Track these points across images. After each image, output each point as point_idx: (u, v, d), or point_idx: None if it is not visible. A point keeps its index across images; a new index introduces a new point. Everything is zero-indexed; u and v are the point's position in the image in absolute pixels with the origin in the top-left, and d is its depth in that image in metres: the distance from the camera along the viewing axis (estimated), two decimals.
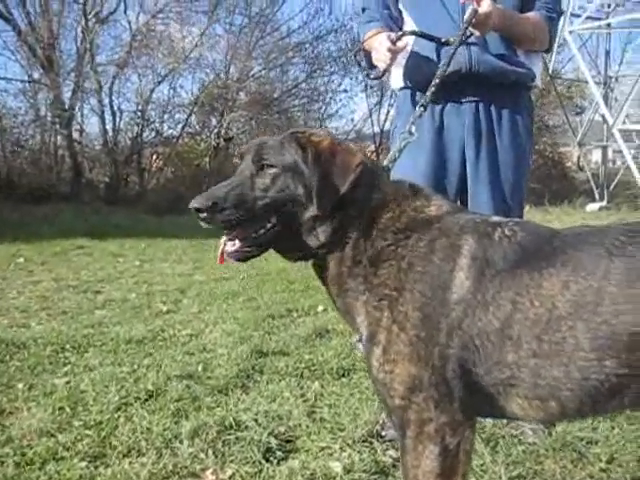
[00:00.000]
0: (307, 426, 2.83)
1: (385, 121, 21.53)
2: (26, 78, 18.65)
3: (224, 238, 1.82)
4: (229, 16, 20.70)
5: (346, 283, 1.75)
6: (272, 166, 1.76)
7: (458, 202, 2.78)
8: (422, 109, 2.34)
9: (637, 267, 1.48)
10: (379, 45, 2.56)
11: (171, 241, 10.43)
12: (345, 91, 23.01)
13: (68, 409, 3.00)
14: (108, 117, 18.92)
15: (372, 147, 22.55)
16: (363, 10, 2.95)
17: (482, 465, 2.45)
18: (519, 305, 1.54)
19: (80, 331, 4.54)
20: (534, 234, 1.66)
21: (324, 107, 23.16)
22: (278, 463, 2.51)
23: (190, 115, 20.08)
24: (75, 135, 18.60)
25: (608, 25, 20.51)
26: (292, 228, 1.75)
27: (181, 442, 2.64)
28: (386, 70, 2.60)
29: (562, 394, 1.54)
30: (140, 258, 8.80)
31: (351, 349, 3.89)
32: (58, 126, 17.91)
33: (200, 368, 3.64)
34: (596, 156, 26.17)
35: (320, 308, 5.26)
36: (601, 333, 1.47)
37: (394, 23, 2.83)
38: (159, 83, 19.44)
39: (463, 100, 2.70)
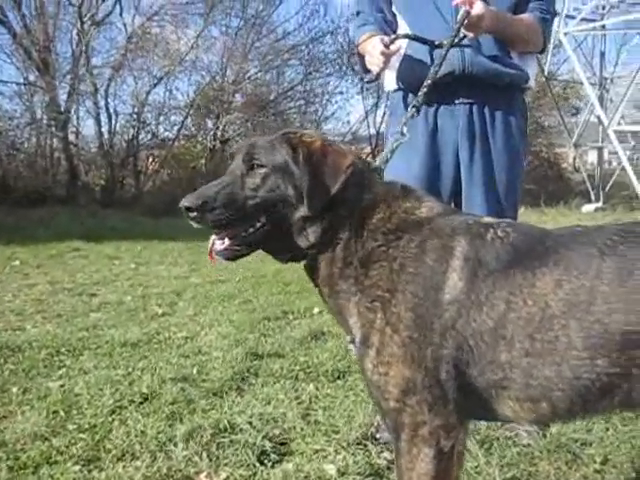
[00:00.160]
0: (302, 429, 2.83)
1: (381, 123, 21.49)
2: (22, 81, 18.61)
3: (213, 237, 1.83)
4: (225, 18, 20.72)
5: (337, 284, 1.75)
6: (262, 166, 1.76)
7: (452, 204, 2.79)
8: (414, 110, 2.34)
9: (628, 266, 1.48)
10: (372, 49, 2.57)
11: (167, 243, 10.41)
12: (341, 93, 23.04)
13: (62, 413, 2.99)
14: (104, 119, 18.88)
15: (368, 149, 22.55)
16: (357, 13, 2.95)
17: (476, 467, 2.46)
18: (512, 305, 1.54)
19: (75, 334, 4.54)
20: (526, 234, 1.67)
21: (320, 109, 23.18)
22: (272, 466, 2.51)
23: (186, 117, 20.06)
24: (71, 138, 18.55)
25: (603, 27, 20.56)
26: (282, 228, 1.76)
27: (175, 445, 2.64)
28: (380, 73, 2.61)
29: (553, 394, 1.54)
30: (136, 261, 8.79)
31: (346, 351, 3.89)
32: (54, 129, 17.86)
33: (195, 371, 3.64)
34: (592, 157, 26.23)
35: (316, 310, 5.26)
36: (593, 332, 1.48)
37: (388, 26, 2.83)
38: (155, 85, 19.42)
39: (457, 102, 2.71)
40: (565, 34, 19.06)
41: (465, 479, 2.34)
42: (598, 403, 1.56)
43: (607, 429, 2.75)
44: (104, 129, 18.91)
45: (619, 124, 18.63)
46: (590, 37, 21.60)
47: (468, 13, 2.44)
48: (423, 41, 2.61)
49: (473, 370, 1.57)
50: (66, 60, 18.67)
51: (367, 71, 2.71)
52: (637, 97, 19.19)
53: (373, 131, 22.78)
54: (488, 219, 1.78)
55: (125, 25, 19.32)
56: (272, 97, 21.75)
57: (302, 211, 1.72)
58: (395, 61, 2.70)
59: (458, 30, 2.47)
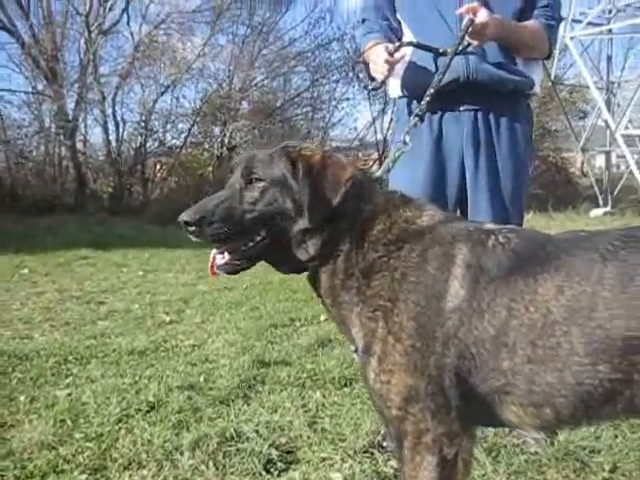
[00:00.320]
0: (308, 437, 2.82)
1: (388, 129, 21.48)
2: (30, 90, 18.73)
3: (214, 251, 1.84)
4: (232, 26, 20.80)
5: (339, 295, 1.76)
6: (260, 180, 1.77)
7: (458, 211, 2.79)
8: (417, 119, 2.35)
9: (630, 272, 1.48)
10: (376, 57, 2.58)
11: (175, 251, 10.43)
12: (348, 99, 23.05)
13: (69, 421, 3.00)
14: (112, 128, 18.95)
15: (375, 155, 22.54)
16: (363, 21, 2.96)
17: (484, 475, 2.45)
18: (514, 311, 1.54)
19: (83, 342, 4.55)
20: (528, 240, 1.67)
21: (327, 116, 23.19)
22: (279, 474, 2.51)
23: (193, 125, 20.12)
24: (79, 146, 18.63)
25: (609, 31, 20.51)
26: (281, 241, 1.77)
27: (182, 454, 2.63)
28: (384, 81, 2.62)
29: (556, 400, 1.54)
30: (144, 268, 8.80)
31: (353, 358, 3.88)
32: (62, 137, 17.95)
33: (202, 379, 3.64)
34: (599, 161, 26.13)
35: (323, 317, 5.24)
36: (595, 338, 1.47)
37: (394, 34, 2.83)
38: (162, 93, 19.47)
39: (461, 109, 2.71)
40: (571, 38, 19.03)
41: None
42: (601, 409, 1.55)
43: (616, 436, 2.73)
44: (112, 137, 19.00)
45: (627, 128, 18.59)
46: (597, 41, 21.57)
47: (472, 21, 2.44)
48: (427, 49, 2.62)
49: (476, 377, 1.57)
50: (74, 69, 18.79)
51: (372, 79, 2.71)
52: None
53: (380, 137, 22.76)
54: (490, 225, 1.78)
55: (132, 34, 19.43)
56: (279, 104, 21.78)
57: (301, 224, 1.73)
58: (400, 68, 2.70)
59: (462, 38, 2.48)
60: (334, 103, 22.85)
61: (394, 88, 2.87)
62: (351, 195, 1.75)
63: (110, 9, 18.52)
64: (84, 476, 2.49)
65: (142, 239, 11.78)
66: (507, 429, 2.74)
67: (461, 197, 2.76)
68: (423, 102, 2.40)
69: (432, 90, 2.40)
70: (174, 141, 20.24)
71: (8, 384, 3.63)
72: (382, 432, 2.74)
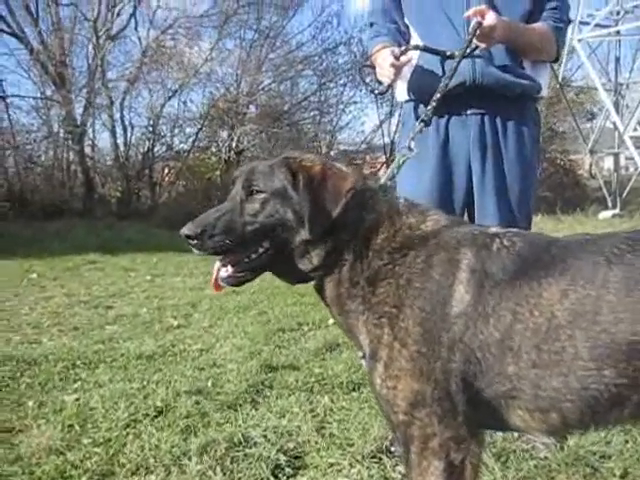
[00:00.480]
0: (316, 442, 2.81)
1: (395, 132, 21.50)
2: (38, 95, 18.87)
3: (218, 264, 1.84)
4: (239, 30, 20.86)
5: (346, 304, 1.76)
6: (261, 191, 1.77)
7: (465, 216, 2.77)
8: (422, 124, 2.34)
9: (636, 275, 1.47)
10: (382, 61, 2.57)
11: (183, 255, 10.43)
12: (355, 103, 23.08)
13: (77, 426, 2.99)
14: (119, 132, 19.10)
15: (383, 158, 22.55)
16: (371, 25, 2.95)
17: None
18: (519, 315, 1.53)
19: (91, 347, 4.56)
20: (532, 243, 1.66)
21: (335, 119, 23.23)
22: None
23: (201, 129, 20.19)
24: (87, 150, 18.78)
25: (617, 32, 20.45)
26: (284, 252, 1.77)
27: (189, 459, 2.62)
28: (390, 85, 2.61)
29: (562, 405, 1.53)
30: (151, 272, 8.83)
31: (361, 363, 3.87)
32: (70, 142, 18.08)
33: (210, 383, 3.63)
34: (608, 163, 26.05)
35: (330, 321, 5.22)
36: (600, 342, 1.46)
37: (402, 37, 2.82)
38: (170, 98, 19.59)
39: (468, 112, 2.69)
40: (579, 40, 18.98)
41: None
42: (608, 414, 1.54)
43: (627, 442, 2.71)
44: (120, 142, 19.13)
45: (635, 130, 18.50)
46: (605, 43, 21.50)
47: (480, 24, 2.43)
48: (435, 52, 2.61)
49: (482, 382, 1.56)
50: (82, 74, 18.95)
51: (380, 82, 2.71)
52: None
53: (387, 140, 22.81)
54: (495, 229, 1.77)
55: (140, 39, 19.58)
56: (286, 108, 21.84)
57: (303, 235, 1.73)
58: (407, 72, 2.69)
59: (470, 41, 2.46)
60: (341, 107, 22.95)
61: (401, 92, 2.86)
62: (353, 205, 1.75)
63: (118, 14, 18.69)
64: None
65: (150, 243, 11.82)
66: (516, 434, 2.72)
67: (468, 201, 2.75)
68: (429, 107, 2.39)
69: (439, 95, 2.39)
70: (182, 145, 20.38)
71: (17, 389, 3.64)
72: (390, 437, 2.72)
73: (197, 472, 2.53)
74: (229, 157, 19.79)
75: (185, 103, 20.25)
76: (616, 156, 22.53)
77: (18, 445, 2.83)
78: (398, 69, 2.54)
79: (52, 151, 18.79)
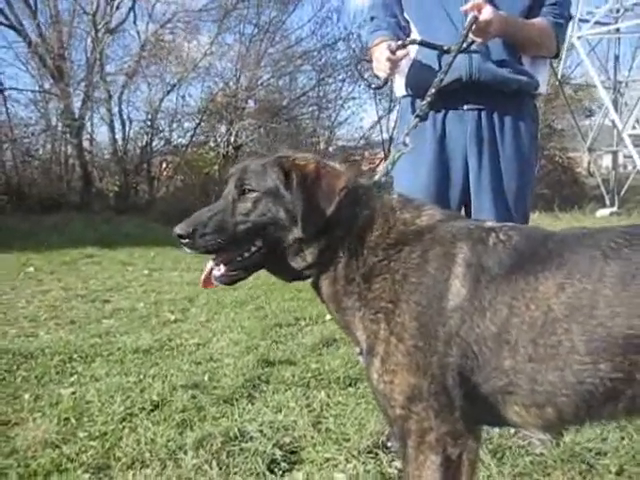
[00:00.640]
0: (312, 437, 2.81)
1: (394, 128, 21.48)
2: (37, 88, 18.77)
3: (211, 263, 1.84)
4: (238, 25, 20.79)
5: (342, 301, 1.77)
6: (253, 190, 1.78)
7: (462, 211, 2.77)
8: (417, 120, 2.33)
9: (632, 270, 1.47)
10: (379, 55, 2.57)
11: (180, 250, 10.41)
12: (354, 98, 23.02)
13: (73, 420, 3.00)
14: (118, 126, 18.96)
15: (382, 154, 22.52)
16: (372, 19, 2.94)
17: (489, 477, 2.43)
18: (515, 309, 1.53)
19: (88, 341, 4.55)
20: (529, 237, 1.66)
21: (333, 115, 23.17)
22: (282, 475, 2.50)
23: (199, 124, 20.13)
24: (85, 144, 18.66)
25: (617, 30, 20.44)
26: (277, 251, 1.78)
27: (185, 453, 2.63)
28: (387, 80, 2.60)
29: (558, 400, 1.54)
30: (149, 267, 8.82)
31: (358, 359, 3.87)
32: (68, 136, 17.98)
33: (206, 378, 3.63)
34: (606, 161, 26.05)
35: (328, 317, 5.21)
36: (596, 336, 1.47)
37: (402, 31, 2.81)
38: (168, 92, 19.48)
39: (465, 108, 2.69)
40: (579, 38, 18.96)
41: None
42: (603, 409, 1.55)
43: (622, 438, 2.71)
44: (118, 136, 19.02)
45: (634, 128, 18.52)
46: (604, 40, 21.50)
47: (476, 19, 2.42)
48: (432, 46, 2.60)
49: (478, 376, 1.57)
50: (80, 68, 18.82)
51: (377, 77, 2.70)
52: None
53: (386, 136, 22.76)
54: (490, 223, 1.77)
55: (139, 32, 19.44)
56: (285, 103, 21.77)
57: (296, 233, 1.74)
58: (405, 66, 2.69)
59: (466, 36, 2.45)
60: (340, 102, 22.86)
61: (399, 87, 2.85)
62: (346, 203, 1.76)
63: (117, 8, 18.55)
64: (87, 475, 2.49)
65: (148, 238, 11.78)
66: (512, 430, 2.73)
67: (465, 199, 2.74)
68: (424, 102, 2.38)
69: (433, 90, 2.38)
70: (180, 140, 20.27)
71: (13, 382, 3.64)
72: (386, 432, 2.73)
73: (193, 466, 2.53)
74: (227, 152, 19.72)
75: (184, 97, 20.14)
76: (614, 154, 22.55)
77: (14, 438, 2.83)
78: (394, 63, 2.53)
79: (50, 144, 18.69)
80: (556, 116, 23.53)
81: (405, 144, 2.21)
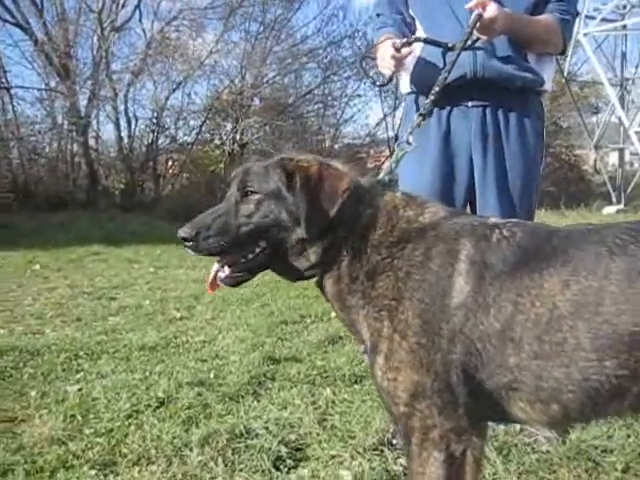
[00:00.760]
0: (318, 434, 2.81)
1: (399, 126, 21.43)
2: (43, 86, 18.83)
3: (216, 265, 1.86)
4: (244, 23, 20.79)
5: (347, 300, 1.77)
6: (255, 192, 1.79)
7: (468, 208, 2.76)
8: (421, 119, 2.32)
9: (638, 266, 1.46)
10: (384, 52, 2.56)
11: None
12: (359, 96, 22.99)
13: (79, 417, 3.01)
14: (123, 124, 19.04)
15: (387, 152, 22.49)
16: (378, 16, 2.94)
17: (495, 474, 2.43)
18: (520, 306, 1.53)
19: (94, 338, 4.57)
20: (533, 234, 1.65)
21: (339, 112, 23.16)
22: (288, 472, 2.50)
23: (205, 122, 20.15)
24: (91, 142, 18.73)
25: (624, 27, 20.35)
26: (281, 251, 1.78)
27: (191, 450, 2.63)
28: (391, 77, 2.59)
29: (563, 396, 1.53)
30: (155, 264, 8.84)
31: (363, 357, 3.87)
32: (74, 134, 18.05)
33: (212, 375, 3.64)
34: (613, 159, 25.96)
35: (333, 314, 5.22)
36: (602, 333, 1.46)
37: (407, 28, 2.80)
38: (174, 90, 19.52)
39: (470, 104, 2.67)
40: (585, 35, 18.89)
41: None
42: (608, 406, 1.54)
43: (628, 436, 2.70)
44: (124, 134, 19.09)
45: None
46: (611, 37, 21.40)
47: (481, 16, 2.41)
48: (436, 44, 2.59)
49: (483, 373, 1.56)
50: (86, 66, 18.87)
51: (382, 74, 2.69)
52: None
53: (392, 133, 22.69)
54: (494, 219, 1.76)
55: (144, 30, 19.50)
56: (290, 101, 21.77)
57: (299, 233, 1.74)
58: (410, 64, 2.68)
59: (470, 33, 2.44)
60: (345, 100, 22.85)
61: (404, 84, 2.84)
62: (350, 202, 1.76)
63: (123, 6, 18.62)
64: (93, 471, 2.50)
65: (153, 235, 11.80)
66: (518, 427, 2.72)
67: (470, 197, 2.73)
68: (427, 100, 2.37)
69: (437, 88, 2.37)
70: (186, 138, 20.32)
71: (19, 379, 3.65)
72: (392, 430, 2.72)
73: (198, 463, 2.54)
74: (233, 150, 19.74)
75: (189, 95, 20.19)
76: (621, 151, 22.48)
77: (20, 435, 2.84)
78: (399, 61, 2.52)
79: (56, 143, 18.76)
80: (562, 113, 23.45)
81: (409, 143, 2.20)
